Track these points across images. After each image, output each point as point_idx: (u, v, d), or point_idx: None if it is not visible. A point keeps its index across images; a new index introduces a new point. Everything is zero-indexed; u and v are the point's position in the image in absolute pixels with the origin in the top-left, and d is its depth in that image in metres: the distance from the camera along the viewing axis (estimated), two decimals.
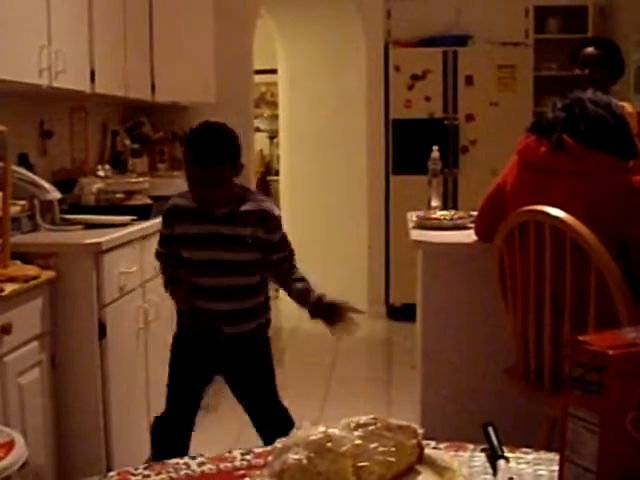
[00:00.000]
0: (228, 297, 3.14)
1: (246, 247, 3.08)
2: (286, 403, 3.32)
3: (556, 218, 2.76)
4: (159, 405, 4.31)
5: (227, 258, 3.09)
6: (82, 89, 4.37)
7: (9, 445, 1.01)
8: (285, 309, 6.56)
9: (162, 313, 4.26)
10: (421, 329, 3.77)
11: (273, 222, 3.10)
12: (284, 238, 3.16)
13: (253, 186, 6.49)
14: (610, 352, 1.13)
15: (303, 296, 3.12)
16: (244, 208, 3.08)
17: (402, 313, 7.24)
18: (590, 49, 4.46)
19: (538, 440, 2.94)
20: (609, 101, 2.97)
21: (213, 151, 2.96)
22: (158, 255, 3.32)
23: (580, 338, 1.18)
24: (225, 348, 3.23)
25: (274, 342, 3.41)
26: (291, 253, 3.18)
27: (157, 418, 3.36)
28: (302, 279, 3.15)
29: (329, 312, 3.10)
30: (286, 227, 3.23)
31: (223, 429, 3.43)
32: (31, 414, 3.20)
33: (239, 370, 3.29)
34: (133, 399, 4.00)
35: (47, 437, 3.37)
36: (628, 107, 3.66)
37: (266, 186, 9.20)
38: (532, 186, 3.01)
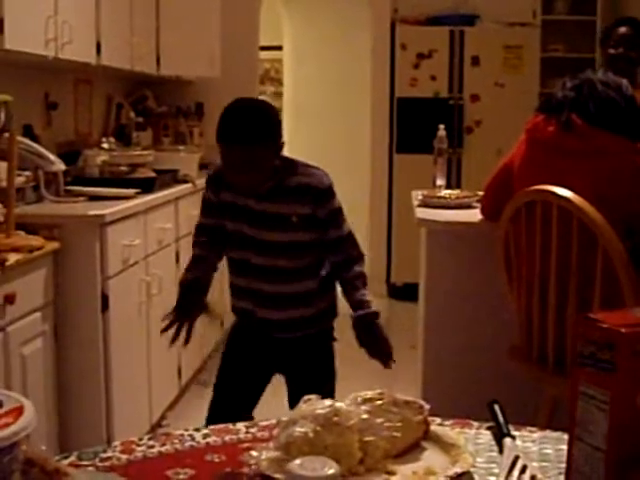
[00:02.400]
0: (274, 280, 2.75)
1: (291, 227, 2.69)
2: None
3: (564, 198, 2.75)
4: (159, 377, 4.33)
5: (271, 238, 2.70)
6: (88, 61, 4.35)
7: (18, 410, 1.00)
8: None
9: (165, 287, 4.26)
10: (423, 307, 3.77)
11: (319, 196, 2.69)
12: (335, 214, 2.74)
13: None
14: (622, 330, 1.13)
15: (361, 310, 2.69)
16: (289, 182, 2.69)
17: (403, 293, 7.23)
18: (623, 28, 4.46)
19: (539, 420, 2.94)
20: (620, 82, 2.94)
21: (242, 132, 2.56)
22: (198, 227, 2.88)
23: (592, 316, 1.17)
24: (279, 341, 2.84)
25: None
26: (349, 238, 2.77)
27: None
28: (359, 284, 2.72)
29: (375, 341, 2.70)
30: None
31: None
32: (33, 384, 3.20)
33: (293, 369, 2.89)
34: (134, 371, 4.00)
35: (49, 407, 3.37)
36: None
37: None
38: (540, 165, 2.99)
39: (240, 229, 2.73)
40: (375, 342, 2.70)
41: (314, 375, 2.89)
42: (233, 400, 2.89)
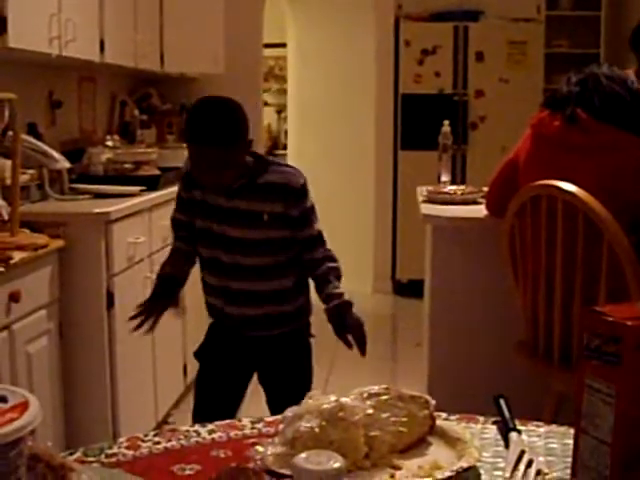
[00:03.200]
0: (246, 277, 2.73)
1: (262, 224, 2.67)
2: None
3: (569, 193, 2.74)
4: (165, 375, 4.33)
5: (239, 235, 2.68)
6: (91, 59, 4.35)
7: (23, 406, 1.00)
8: None
9: None
10: (429, 303, 3.76)
11: (293, 194, 2.68)
12: (307, 213, 2.72)
13: None
14: (628, 323, 1.13)
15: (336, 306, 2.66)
16: (261, 180, 2.67)
17: (408, 289, 7.23)
18: None
19: (545, 415, 2.93)
20: (625, 77, 2.94)
21: (212, 132, 2.55)
22: (174, 222, 2.91)
23: (598, 309, 1.17)
24: (254, 339, 2.82)
25: None
26: (320, 237, 2.76)
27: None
28: (331, 278, 2.71)
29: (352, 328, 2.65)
30: None
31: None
32: (39, 382, 3.21)
33: (269, 368, 2.88)
34: (140, 369, 4.01)
35: (55, 405, 3.38)
36: None
37: None
38: (545, 160, 2.99)
39: (210, 227, 2.73)
40: (353, 330, 2.63)
41: (291, 373, 2.86)
42: (215, 401, 2.87)
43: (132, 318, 2.71)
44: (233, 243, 2.70)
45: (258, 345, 2.84)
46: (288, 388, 2.81)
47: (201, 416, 2.85)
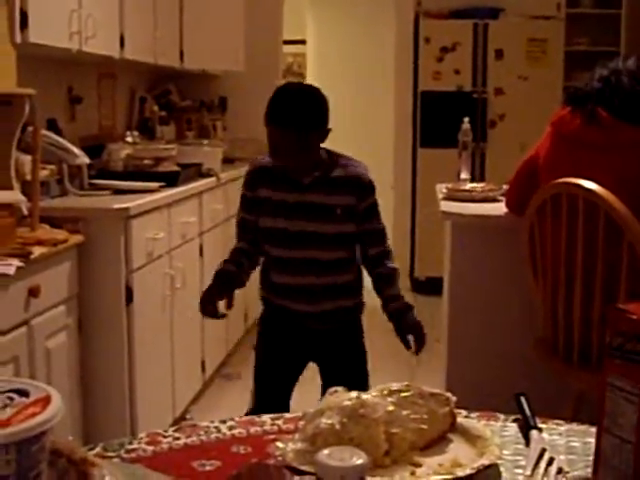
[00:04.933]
0: (312, 272, 2.76)
1: (335, 218, 2.72)
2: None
3: (590, 191, 2.73)
4: (183, 371, 4.33)
5: (314, 229, 2.71)
6: (111, 54, 4.37)
7: (46, 400, 1.00)
8: None
9: (188, 280, 4.26)
10: (448, 301, 3.75)
11: (364, 189, 2.74)
12: (373, 207, 2.80)
13: None
14: None
15: (395, 306, 2.80)
16: (334, 174, 2.72)
17: (427, 287, 7.21)
18: None
19: (565, 414, 2.92)
20: None
21: (297, 115, 2.60)
22: (242, 222, 2.87)
23: (621, 307, 1.16)
24: (314, 332, 2.87)
25: None
26: (384, 231, 2.85)
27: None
28: (393, 281, 2.82)
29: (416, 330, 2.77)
30: None
31: None
32: (58, 377, 3.21)
33: (328, 359, 2.92)
34: (158, 364, 4.01)
35: (73, 400, 3.38)
36: None
37: None
38: (564, 158, 2.97)
39: (281, 224, 2.74)
40: (415, 330, 2.76)
41: (349, 365, 2.92)
42: (274, 390, 2.92)
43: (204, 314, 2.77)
44: (308, 238, 2.73)
45: (318, 337, 2.88)
46: (348, 379, 2.82)
47: (261, 405, 2.91)
